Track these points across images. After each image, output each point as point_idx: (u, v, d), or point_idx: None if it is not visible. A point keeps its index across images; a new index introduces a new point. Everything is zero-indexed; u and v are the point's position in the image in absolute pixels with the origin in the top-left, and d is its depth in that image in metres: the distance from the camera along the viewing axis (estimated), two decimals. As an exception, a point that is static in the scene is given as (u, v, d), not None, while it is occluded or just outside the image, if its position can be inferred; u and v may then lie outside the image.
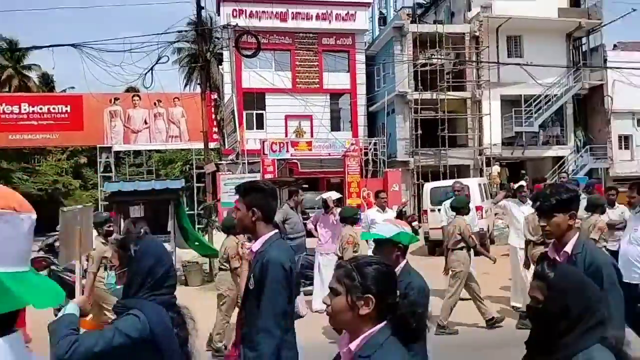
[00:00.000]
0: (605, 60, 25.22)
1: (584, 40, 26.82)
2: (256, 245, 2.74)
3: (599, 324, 1.73)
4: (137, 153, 29.19)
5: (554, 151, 25.46)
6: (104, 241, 6.35)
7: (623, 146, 25.85)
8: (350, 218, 7.13)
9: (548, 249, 2.80)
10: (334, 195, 8.35)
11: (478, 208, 13.12)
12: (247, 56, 16.26)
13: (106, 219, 6.70)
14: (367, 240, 6.66)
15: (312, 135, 25.04)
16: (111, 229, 6.58)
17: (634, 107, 25.18)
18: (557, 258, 2.62)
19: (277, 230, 2.79)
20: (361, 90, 26.68)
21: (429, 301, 2.82)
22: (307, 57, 25.89)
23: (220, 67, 27.22)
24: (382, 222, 3.06)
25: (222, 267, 6.39)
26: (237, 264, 6.04)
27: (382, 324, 1.71)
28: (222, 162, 18.91)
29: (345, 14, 26.06)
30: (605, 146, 25.38)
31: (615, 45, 26.40)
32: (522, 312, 6.73)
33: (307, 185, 17.30)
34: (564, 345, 1.71)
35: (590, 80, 25.65)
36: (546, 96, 24.50)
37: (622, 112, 25.31)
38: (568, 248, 2.65)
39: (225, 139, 18.46)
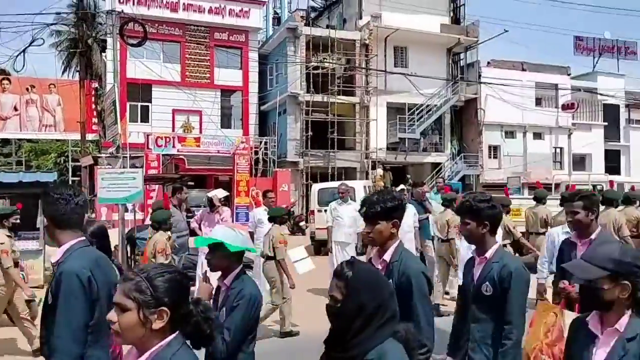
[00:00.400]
0: (479, 76, 27.35)
1: (462, 55, 28.85)
2: (56, 256, 2.55)
3: (391, 318, 1.79)
4: (5, 142, 26.56)
5: (432, 157, 27.10)
6: (9, 234, 6.07)
7: (492, 155, 28.16)
8: (279, 217, 7.07)
9: (372, 256, 2.84)
10: (220, 193, 8.17)
11: (362, 209, 13.59)
12: (132, 45, 15.47)
13: (13, 211, 6.31)
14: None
15: (200, 131, 24.40)
16: (18, 221, 6.27)
17: (503, 121, 27.56)
18: (378, 265, 2.69)
19: (81, 238, 2.59)
20: (253, 88, 26.49)
21: (261, 309, 2.79)
22: (198, 50, 25.20)
23: (103, 54, 25.61)
24: (219, 226, 2.98)
25: (151, 261, 6.19)
26: (162, 260, 5.99)
27: (173, 336, 1.65)
28: (102, 155, 17.82)
29: (239, 10, 25.73)
30: (477, 155, 27.49)
31: (489, 62, 28.69)
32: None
33: (192, 183, 16.82)
34: (359, 342, 1.74)
35: (466, 94, 27.64)
36: (427, 106, 26.01)
37: (492, 125, 27.58)
38: (387, 256, 2.69)
39: (106, 131, 17.39)
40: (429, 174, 26.10)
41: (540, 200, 8.94)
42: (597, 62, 31.33)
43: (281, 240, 6.70)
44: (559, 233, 5.26)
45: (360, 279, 1.79)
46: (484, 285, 2.84)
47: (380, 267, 2.68)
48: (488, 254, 2.89)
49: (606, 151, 30.53)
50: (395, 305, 1.83)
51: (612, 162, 30.64)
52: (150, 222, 6.65)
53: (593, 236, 3.45)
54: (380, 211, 2.66)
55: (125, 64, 23.14)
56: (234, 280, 2.77)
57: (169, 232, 6.52)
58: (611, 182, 12.06)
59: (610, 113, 30.93)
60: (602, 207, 8.09)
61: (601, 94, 29.42)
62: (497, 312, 2.80)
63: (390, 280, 2.55)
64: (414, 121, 25.83)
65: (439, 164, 26.91)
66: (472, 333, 2.89)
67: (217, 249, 2.77)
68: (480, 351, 2.84)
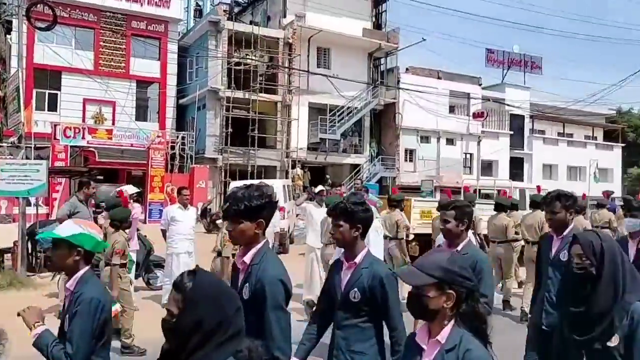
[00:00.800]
0: (398, 81, 28.19)
1: (382, 60, 29.59)
2: None
3: (234, 336, 1.61)
4: None
5: (352, 159, 27.60)
6: None
7: (408, 159, 29.14)
8: None
9: (236, 256, 2.65)
10: (130, 189, 7.82)
11: (281, 209, 13.58)
12: (40, 29, 14.49)
13: None
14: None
15: (113, 123, 23.32)
16: None
17: (419, 126, 28.59)
18: (239, 266, 2.53)
19: None
20: (171, 80, 25.67)
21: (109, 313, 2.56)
22: (114, 38, 24.06)
23: (8, 36, 23.79)
24: (68, 221, 2.72)
25: (107, 261, 6.03)
26: (119, 261, 5.83)
27: None
28: (2, 144, 16.55)
29: (159, 0, 24.86)
30: (394, 158, 28.33)
31: (407, 69, 29.65)
32: (313, 303, 7.07)
33: (102, 177, 16.04)
34: None
35: (385, 98, 28.39)
36: (348, 108, 26.45)
37: (409, 129, 28.53)
38: (247, 258, 2.48)
39: (8, 119, 16.16)
40: (348, 174, 26.55)
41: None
42: (505, 74, 33.33)
43: None
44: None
45: (200, 291, 1.61)
46: (352, 292, 2.73)
47: (241, 267, 2.53)
48: (357, 259, 2.79)
49: (511, 158, 32.54)
50: (241, 321, 1.66)
51: (516, 168, 32.71)
52: (109, 220, 6.42)
53: (459, 247, 3.42)
54: (244, 209, 2.42)
55: (32, 49, 21.69)
56: (77, 284, 2.52)
57: (127, 232, 6.43)
58: (538, 188, 12.85)
59: (516, 123, 33.01)
60: (529, 210, 8.78)
61: (508, 105, 31.32)
62: (364, 319, 2.73)
63: (247, 284, 2.43)
64: (335, 122, 26.17)
65: (357, 165, 27.43)
66: (336, 340, 2.78)
67: (59, 246, 2.53)
68: (344, 359, 2.74)
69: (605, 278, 2.46)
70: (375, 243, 6.03)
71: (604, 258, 2.47)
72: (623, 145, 39.33)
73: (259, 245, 2.50)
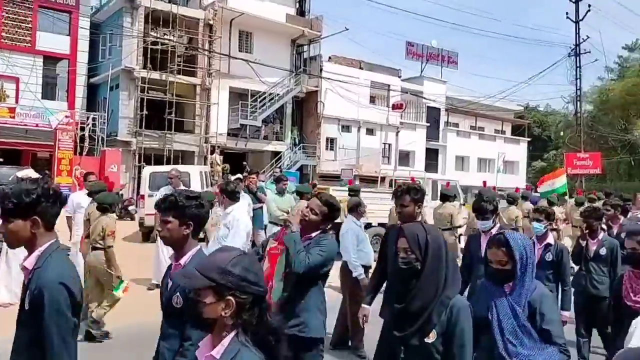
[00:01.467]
0: (321, 70, 28.24)
1: (305, 48, 29.51)
2: None
3: None
4: None
5: (273, 146, 27.41)
6: None
7: (329, 147, 29.37)
8: (209, 201, 7.06)
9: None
10: (31, 173, 7.28)
11: (198, 195, 13.21)
12: None
13: None
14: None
15: (17, 101, 21.67)
16: None
17: (340, 115, 28.86)
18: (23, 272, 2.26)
19: None
20: (82, 58, 24.17)
21: None
22: (19, 10, 22.27)
23: None
24: None
25: (97, 245, 6.02)
26: (112, 243, 6.02)
27: None
28: None
29: (70, -29, 23.27)
30: (315, 146, 28.44)
31: (330, 58, 29.77)
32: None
33: (2, 159, 14.91)
34: None
35: (308, 86, 28.36)
36: (270, 94, 26.18)
37: (330, 118, 28.73)
38: (29, 263, 2.17)
39: None
40: (269, 162, 26.35)
41: None
42: (424, 68, 34.35)
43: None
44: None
45: None
46: (174, 297, 2.45)
47: (24, 274, 2.22)
48: (183, 260, 2.50)
49: (427, 149, 33.71)
50: None
51: (432, 159, 33.94)
52: (96, 204, 6.34)
53: (313, 235, 3.44)
54: (13, 207, 2.10)
55: None
56: None
57: (114, 215, 6.55)
58: (448, 183, 13.35)
59: (432, 115, 34.20)
60: (438, 202, 9.37)
61: (425, 98, 32.34)
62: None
63: (27, 292, 2.13)
64: (256, 108, 25.82)
65: (278, 152, 27.28)
66: (161, 353, 2.50)
67: None
68: None
69: (427, 272, 2.34)
70: (235, 237, 5.92)
71: (428, 252, 2.35)
72: (529, 139, 41.93)
73: (42, 247, 2.17)
